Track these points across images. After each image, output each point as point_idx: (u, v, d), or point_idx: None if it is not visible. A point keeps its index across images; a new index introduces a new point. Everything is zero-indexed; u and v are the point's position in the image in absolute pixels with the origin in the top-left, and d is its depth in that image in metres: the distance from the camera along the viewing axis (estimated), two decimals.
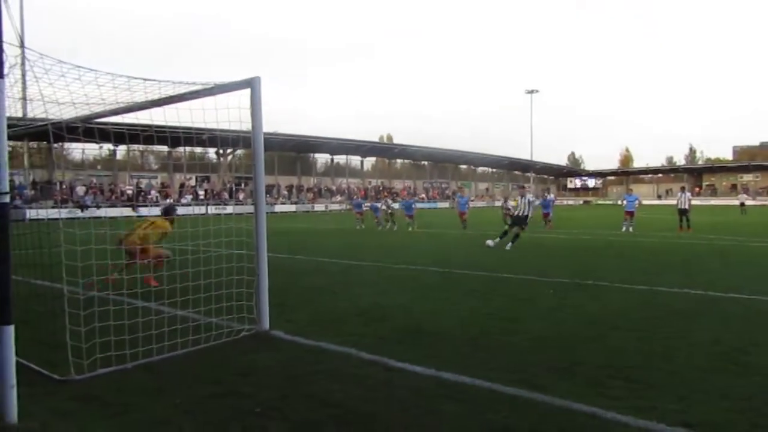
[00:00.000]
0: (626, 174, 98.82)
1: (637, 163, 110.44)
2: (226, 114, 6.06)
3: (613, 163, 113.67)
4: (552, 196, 29.00)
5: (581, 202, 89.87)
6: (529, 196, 17.25)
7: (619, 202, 27.19)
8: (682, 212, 22.90)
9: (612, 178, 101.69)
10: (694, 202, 24.85)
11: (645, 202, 27.57)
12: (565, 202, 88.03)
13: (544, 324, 6.70)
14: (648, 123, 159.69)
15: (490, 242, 16.25)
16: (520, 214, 16.75)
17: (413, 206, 26.97)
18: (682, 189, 24.57)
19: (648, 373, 4.86)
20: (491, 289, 9.22)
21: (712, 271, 11.08)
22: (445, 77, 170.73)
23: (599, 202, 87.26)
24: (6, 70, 3.97)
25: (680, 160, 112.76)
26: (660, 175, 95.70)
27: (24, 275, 6.32)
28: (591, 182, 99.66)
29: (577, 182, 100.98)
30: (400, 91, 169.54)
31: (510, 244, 15.84)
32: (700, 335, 6.08)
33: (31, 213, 34.07)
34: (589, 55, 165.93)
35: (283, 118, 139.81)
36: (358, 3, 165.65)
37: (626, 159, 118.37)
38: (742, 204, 43.29)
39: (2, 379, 3.90)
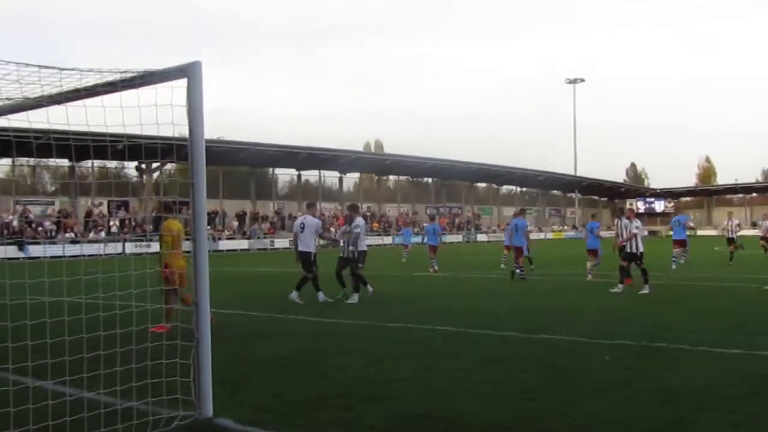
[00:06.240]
0: (707, 193, 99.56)
1: (722, 178, 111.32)
2: (153, 113, 6.07)
3: (689, 179, 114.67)
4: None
5: (646, 233, 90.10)
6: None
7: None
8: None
9: (688, 199, 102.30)
10: None
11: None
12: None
13: (605, 404, 6.67)
14: (735, 123, 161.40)
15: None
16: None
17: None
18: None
19: None
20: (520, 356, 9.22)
21: None
22: (454, 66, 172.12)
23: (670, 233, 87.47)
24: None
25: None
26: (754, 194, 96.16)
27: None
28: (659, 205, 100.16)
29: (640, 205, 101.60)
30: (392, 86, 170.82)
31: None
32: None
33: None
34: (646, 33, 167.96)
35: (231, 119, 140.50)
36: None
37: (707, 172, 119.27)
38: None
39: None
